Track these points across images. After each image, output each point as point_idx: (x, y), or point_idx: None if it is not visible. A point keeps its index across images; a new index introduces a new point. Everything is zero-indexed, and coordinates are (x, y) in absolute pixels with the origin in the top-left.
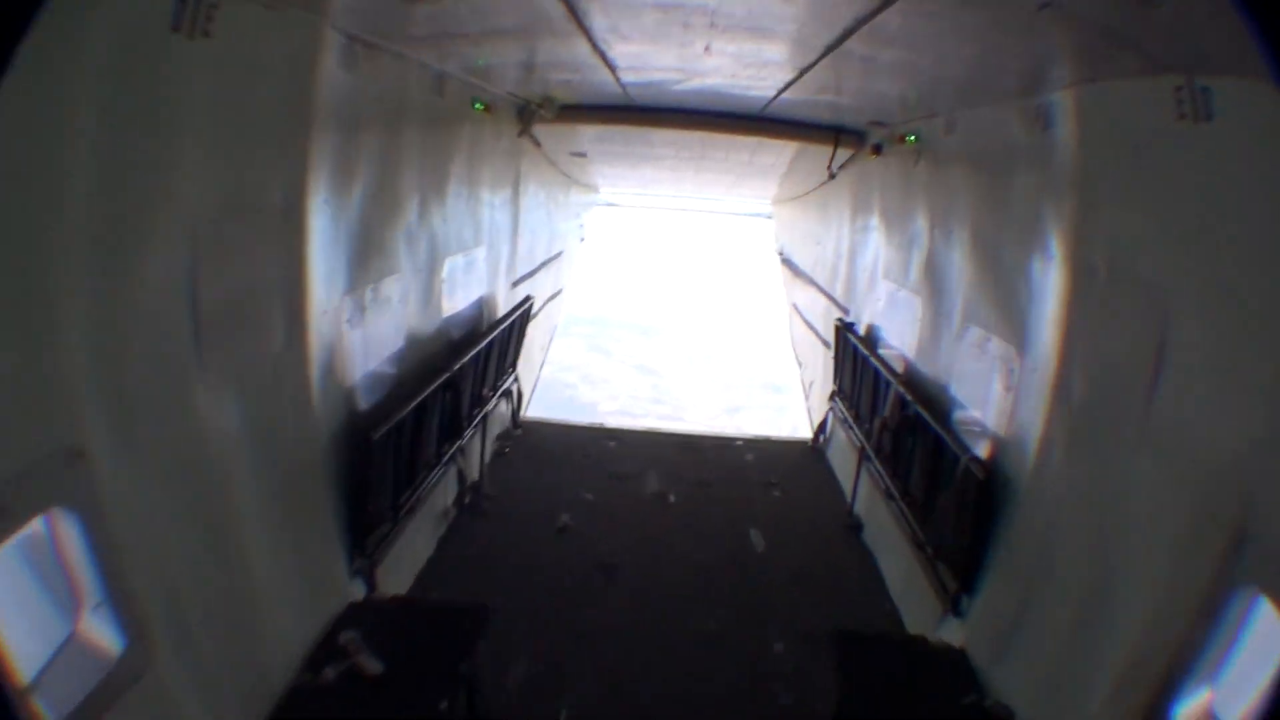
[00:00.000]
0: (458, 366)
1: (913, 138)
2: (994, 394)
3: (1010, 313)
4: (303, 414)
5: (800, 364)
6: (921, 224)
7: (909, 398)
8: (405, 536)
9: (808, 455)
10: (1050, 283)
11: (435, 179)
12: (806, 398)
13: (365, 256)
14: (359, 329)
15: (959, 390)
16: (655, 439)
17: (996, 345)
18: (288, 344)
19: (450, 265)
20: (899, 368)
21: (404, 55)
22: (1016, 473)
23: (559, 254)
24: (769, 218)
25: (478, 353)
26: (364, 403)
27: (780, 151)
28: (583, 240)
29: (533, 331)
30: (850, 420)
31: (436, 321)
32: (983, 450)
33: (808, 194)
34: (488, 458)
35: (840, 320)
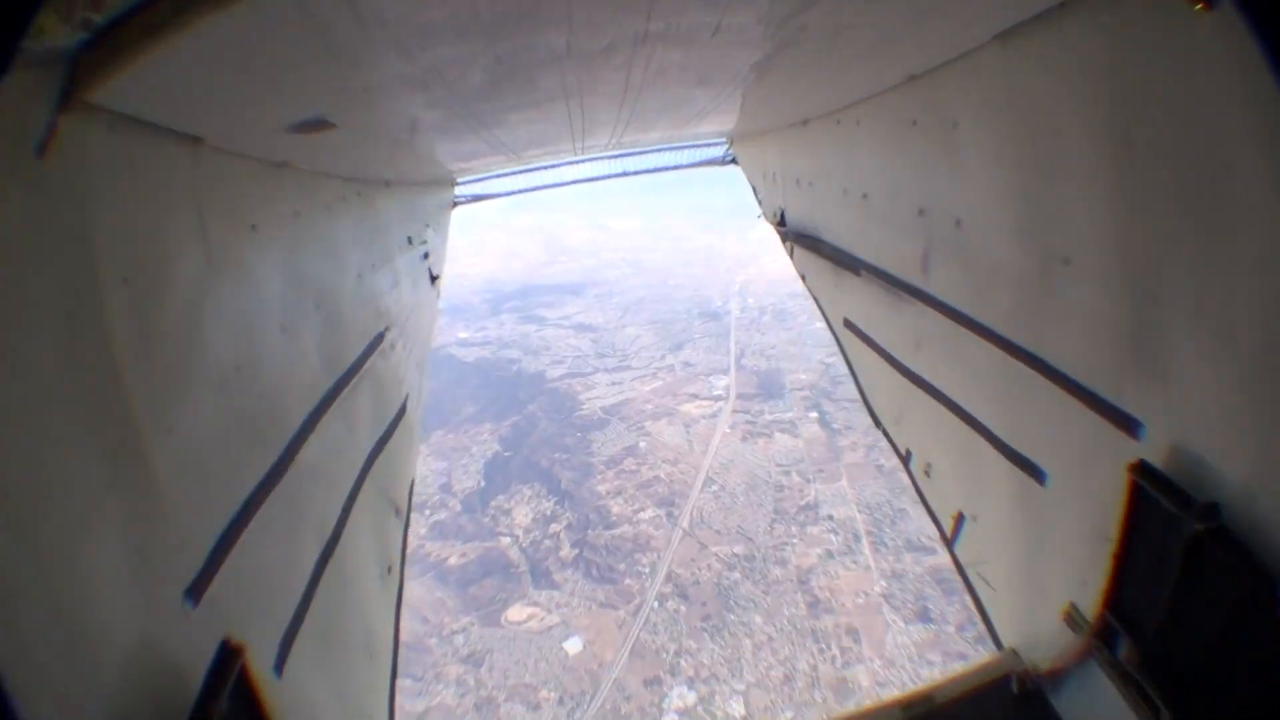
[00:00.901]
0: None
1: None
2: None
3: None
4: None
5: (904, 456)
6: None
7: None
8: None
9: None
10: None
11: None
12: (943, 531)
13: None
14: None
15: None
16: None
17: None
18: None
19: None
20: None
21: None
22: None
23: (379, 338)
24: (727, 163)
25: None
26: None
27: (741, 36)
28: (435, 279)
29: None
30: None
31: None
32: None
33: (845, 109)
34: None
35: (1146, 471)
